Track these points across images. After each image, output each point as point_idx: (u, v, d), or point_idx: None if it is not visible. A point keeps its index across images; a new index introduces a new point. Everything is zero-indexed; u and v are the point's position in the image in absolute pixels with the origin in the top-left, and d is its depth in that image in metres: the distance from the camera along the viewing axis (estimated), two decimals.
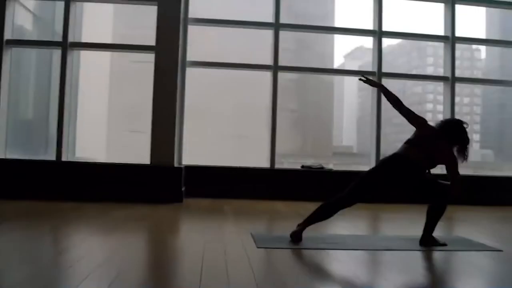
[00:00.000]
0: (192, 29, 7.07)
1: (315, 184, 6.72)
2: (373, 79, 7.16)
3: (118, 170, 6.05)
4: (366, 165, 7.23)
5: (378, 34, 7.23)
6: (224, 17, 7.25)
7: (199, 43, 7.45)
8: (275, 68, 7.13)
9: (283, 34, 7.22)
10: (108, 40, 7.28)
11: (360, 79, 3.71)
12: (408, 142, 3.61)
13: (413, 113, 3.65)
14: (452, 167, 3.51)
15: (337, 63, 8.63)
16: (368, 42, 7.56)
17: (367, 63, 7.70)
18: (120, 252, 3.05)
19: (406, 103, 3.66)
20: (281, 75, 7.25)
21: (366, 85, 3.77)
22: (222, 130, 7.66)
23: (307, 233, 3.55)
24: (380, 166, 3.59)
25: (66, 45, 6.25)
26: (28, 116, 7.71)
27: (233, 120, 7.75)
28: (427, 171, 3.59)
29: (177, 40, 6.27)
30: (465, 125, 3.64)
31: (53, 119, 6.44)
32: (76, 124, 8.04)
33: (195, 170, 6.72)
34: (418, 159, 3.50)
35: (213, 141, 7.52)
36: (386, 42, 7.49)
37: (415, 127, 3.65)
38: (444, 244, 3.54)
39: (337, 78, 8.95)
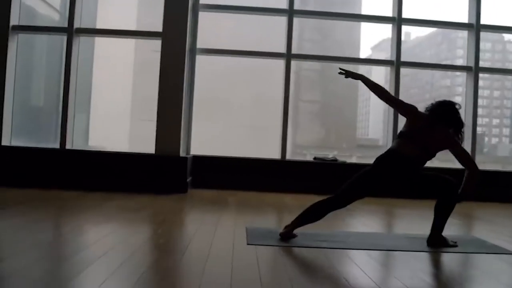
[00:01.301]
0: (204, 16, 6.86)
1: (327, 177, 6.40)
2: (391, 68, 6.89)
3: (122, 159, 5.92)
4: None
5: (397, 21, 6.86)
6: (236, 3, 7.00)
7: (211, 30, 7.23)
8: (288, 56, 6.84)
9: (307, 24, 6.94)
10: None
11: (340, 73, 3.39)
12: (401, 135, 3.31)
13: (402, 102, 3.40)
14: (460, 151, 3.24)
15: (364, 55, 8.29)
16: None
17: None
18: (98, 244, 2.86)
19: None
20: (303, 65, 6.99)
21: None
22: (236, 120, 7.43)
23: (307, 228, 3.29)
24: (375, 164, 3.29)
25: (72, 31, 6.10)
26: (38, 103, 7.63)
27: (249, 110, 7.51)
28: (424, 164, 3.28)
29: (185, 26, 6.05)
30: (457, 106, 3.34)
31: (73, 107, 6.31)
32: (90, 113, 8.00)
33: (203, 160, 6.54)
34: (413, 154, 3.19)
35: (226, 131, 7.30)
36: (414, 33, 7.20)
37: (406, 116, 3.36)
38: (455, 245, 3.23)
39: (363, 68, 8.56)
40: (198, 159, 6.55)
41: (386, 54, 8.34)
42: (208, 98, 7.35)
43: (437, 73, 9.29)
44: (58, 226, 3.51)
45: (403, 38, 7.37)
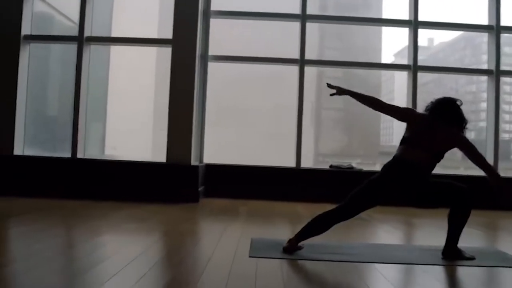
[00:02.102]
0: (216, 22, 6.78)
1: (343, 185, 6.19)
2: (408, 73, 6.69)
3: (133, 167, 5.85)
4: None
5: (413, 24, 6.65)
6: (249, 9, 6.90)
7: (223, 36, 7.15)
8: (302, 62, 6.70)
9: (328, 30, 6.80)
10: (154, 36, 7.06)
11: (328, 86, 3.25)
12: (403, 141, 3.12)
13: (397, 107, 3.24)
14: (468, 147, 3.04)
15: (386, 62, 8.08)
16: (419, 40, 6.98)
17: (419, 62, 7.10)
18: (93, 255, 2.76)
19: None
20: (325, 73, 6.85)
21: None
22: (251, 128, 7.31)
23: (315, 239, 3.13)
24: (381, 173, 3.10)
25: (82, 40, 6.08)
26: (54, 112, 7.66)
27: (265, 117, 7.37)
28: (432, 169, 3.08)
29: (195, 33, 5.97)
30: (458, 103, 3.14)
31: (81, 116, 6.28)
32: (106, 121, 7.98)
33: (216, 169, 6.44)
34: (419, 159, 3.00)
35: (241, 139, 7.19)
36: (438, 39, 7.00)
37: (404, 121, 3.18)
38: (471, 258, 3.01)
39: (386, 75, 8.34)
40: (211, 167, 6.44)
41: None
42: (222, 105, 7.27)
43: (462, 79, 9.00)
44: (56, 236, 3.42)
45: (426, 44, 7.18)
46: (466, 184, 3.07)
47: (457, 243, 3.05)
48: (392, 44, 7.90)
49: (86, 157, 6.16)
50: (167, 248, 3.20)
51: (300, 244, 3.08)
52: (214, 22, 6.73)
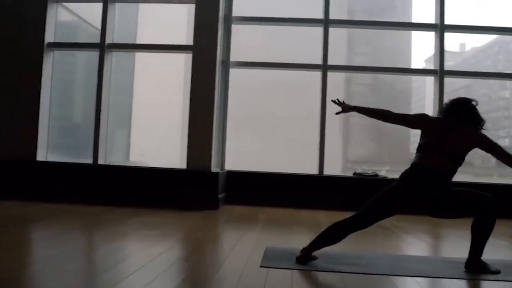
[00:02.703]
0: (238, 29, 6.74)
1: (366, 194, 6.04)
2: (435, 78, 6.48)
3: (153, 174, 5.84)
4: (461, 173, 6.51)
5: (439, 28, 6.46)
6: (271, 15, 6.84)
7: (245, 42, 7.10)
8: (325, 67, 6.59)
9: (356, 35, 6.66)
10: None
11: (334, 102, 3.17)
12: (421, 149, 2.97)
13: (408, 114, 3.10)
14: (491, 144, 2.88)
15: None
16: (451, 45, 6.85)
17: (449, 67, 6.92)
18: (102, 262, 2.72)
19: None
20: (353, 79, 6.73)
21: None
22: (275, 134, 7.20)
23: (331, 248, 3.01)
24: (399, 181, 2.95)
25: (104, 47, 6.13)
26: (78, 119, 7.75)
27: (289, 124, 7.27)
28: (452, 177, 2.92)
29: (215, 39, 5.93)
30: (473, 103, 2.98)
31: (102, 122, 6.35)
32: (131, 128, 8.04)
33: (237, 176, 6.37)
34: (438, 164, 2.84)
35: (265, 146, 7.09)
36: (470, 44, 6.79)
37: (418, 128, 3.03)
38: (497, 272, 2.83)
39: (417, 81, 8.15)
40: (232, 174, 6.38)
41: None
42: (245, 112, 7.21)
43: (495, 84, 8.71)
44: (66, 242, 3.40)
45: (457, 49, 6.95)
46: (493, 192, 2.91)
47: (481, 255, 2.87)
48: (423, 50, 7.68)
49: (107, 163, 6.17)
50: (179, 255, 3.14)
51: (314, 253, 2.97)
52: (236, 28, 6.71)
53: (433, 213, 2.93)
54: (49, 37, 6.16)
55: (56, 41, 6.31)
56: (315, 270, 2.77)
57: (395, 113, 3.06)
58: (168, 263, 2.74)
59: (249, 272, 2.65)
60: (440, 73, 6.42)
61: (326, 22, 6.61)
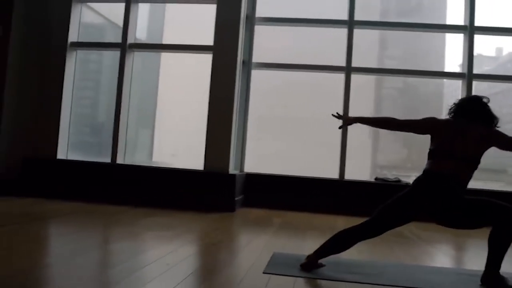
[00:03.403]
0: (263, 29, 6.67)
1: (388, 199, 5.88)
2: (462, 82, 6.25)
3: (170, 174, 5.82)
4: (475, 179, 6.28)
5: (469, 30, 6.22)
6: (295, 16, 6.74)
7: (269, 43, 7.02)
8: (348, 69, 6.44)
9: (389, 37, 6.49)
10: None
11: (335, 116, 3.04)
12: (432, 154, 2.80)
13: (414, 120, 2.91)
14: (507, 138, 2.71)
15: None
16: (487, 50, 6.58)
17: (485, 72, 6.67)
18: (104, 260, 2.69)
19: None
20: (383, 83, 6.57)
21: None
22: (297, 137, 7.08)
23: (340, 255, 2.90)
24: (410, 188, 2.78)
25: (125, 47, 6.16)
26: (101, 118, 7.82)
27: (311, 127, 7.15)
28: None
29: (236, 39, 5.87)
30: (485, 100, 2.81)
31: (122, 122, 6.38)
32: (155, 128, 8.07)
33: (257, 178, 6.30)
34: (452, 171, 2.67)
35: (286, 149, 6.98)
36: (507, 49, 6.51)
37: (428, 133, 2.87)
38: None
39: (449, 86, 7.87)
40: (252, 176, 6.31)
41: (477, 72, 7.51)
42: (267, 114, 7.13)
43: None
44: (72, 242, 3.38)
45: (494, 53, 6.69)
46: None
47: (499, 268, 2.69)
48: (458, 53, 7.36)
49: (126, 162, 6.18)
50: (181, 258, 3.06)
51: (320, 261, 2.86)
52: (260, 29, 6.64)
53: (445, 221, 2.76)
54: (72, 37, 6.23)
55: (80, 40, 6.37)
56: (319, 278, 2.66)
57: (401, 119, 2.92)
58: (167, 266, 2.68)
59: (251, 277, 2.56)
60: (468, 77, 6.18)
61: (350, 23, 6.47)
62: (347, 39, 6.47)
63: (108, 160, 6.17)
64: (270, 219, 5.10)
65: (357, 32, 6.53)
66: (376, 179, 6.35)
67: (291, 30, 7.01)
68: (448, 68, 7.08)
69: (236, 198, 5.67)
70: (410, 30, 6.83)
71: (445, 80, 7.23)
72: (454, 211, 2.68)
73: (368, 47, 7.12)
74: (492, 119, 2.78)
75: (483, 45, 6.62)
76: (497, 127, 2.79)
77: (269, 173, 6.37)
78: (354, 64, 6.46)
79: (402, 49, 7.64)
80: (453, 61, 7.36)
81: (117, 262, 2.77)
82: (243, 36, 6.11)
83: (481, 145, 2.72)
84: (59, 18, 6.15)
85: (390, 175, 6.45)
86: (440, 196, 2.66)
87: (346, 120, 3.02)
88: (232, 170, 5.97)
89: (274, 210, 5.78)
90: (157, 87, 8.11)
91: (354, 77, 6.47)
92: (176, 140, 8.02)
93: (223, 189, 5.61)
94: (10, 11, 5.70)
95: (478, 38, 6.30)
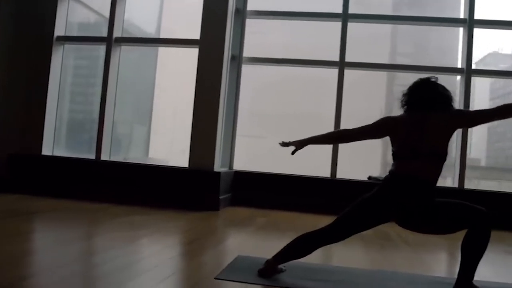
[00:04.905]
0: (254, 23, 6.48)
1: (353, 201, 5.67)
2: (461, 77, 5.99)
3: (155, 172, 5.68)
4: (495, 179, 6.07)
5: (468, 23, 5.96)
6: (288, 9, 6.53)
7: (264, 38, 6.82)
8: (342, 64, 6.22)
9: (400, 32, 6.28)
10: None
11: (282, 145, 2.82)
12: (396, 156, 2.55)
13: (368, 125, 2.67)
14: (476, 113, 2.51)
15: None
16: (505, 47, 6.37)
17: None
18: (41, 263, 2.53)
19: None
20: (395, 80, 6.37)
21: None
22: (289, 134, 6.88)
23: (304, 259, 2.70)
24: (375, 190, 2.55)
25: (111, 41, 6.01)
26: (95, 114, 7.73)
27: (308, 124, 6.94)
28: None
29: (223, 33, 5.68)
30: (433, 79, 2.56)
31: (118, 119, 6.27)
32: (151, 125, 7.93)
33: (246, 176, 6.12)
34: (419, 171, 2.42)
35: (277, 146, 6.78)
36: None
37: (385, 135, 2.63)
38: None
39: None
40: (241, 174, 6.13)
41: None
42: (260, 110, 6.94)
43: None
44: (40, 239, 3.24)
45: (509, 51, 6.41)
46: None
47: (472, 277, 2.46)
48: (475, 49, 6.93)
49: (111, 159, 6.05)
50: (134, 259, 2.90)
51: (282, 266, 2.67)
52: (252, 23, 6.45)
53: (414, 227, 2.54)
54: (60, 31, 6.10)
55: (68, 34, 6.24)
56: (274, 286, 2.46)
57: (353, 129, 2.69)
58: (117, 266, 2.51)
59: (200, 284, 2.38)
60: (466, 71, 5.92)
61: (344, 17, 6.24)
62: (340, 33, 6.24)
63: (115, 158, 6.09)
64: (253, 219, 4.91)
65: (366, 26, 6.32)
66: (369, 178, 6.12)
67: (284, 24, 6.81)
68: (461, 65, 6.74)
69: (221, 197, 5.49)
70: (409, 24, 6.60)
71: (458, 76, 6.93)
72: (423, 215, 2.45)
73: (380, 42, 6.88)
74: (448, 99, 2.53)
75: (500, 42, 6.36)
76: (453, 105, 2.54)
77: (259, 171, 6.19)
78: (361, 59, 6.27)
79: (413, 45, 7.36)
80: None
81: (63, 264, 2.60)
82: (232, 29, 5.91)
83: (445, 133, 2.46)
84: (46, 12, 6.02)
85: (384, 174, 6.20)
86: (407, 200, 2.43)
87: (296, 146, 2.79)
88: (218, 167, 5.79)
89: (263, 209, 5.61)
90: (153, 82, 7.99)
91: (362, 73, 6.23)
92: (173, 137, 7.90)
93: (207, 187, 5.44)
94: None
95: (494, 34, 6.05)
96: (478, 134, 8.26)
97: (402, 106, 2.60)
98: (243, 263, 2.87)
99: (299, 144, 2.77)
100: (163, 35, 7.13)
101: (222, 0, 5.70)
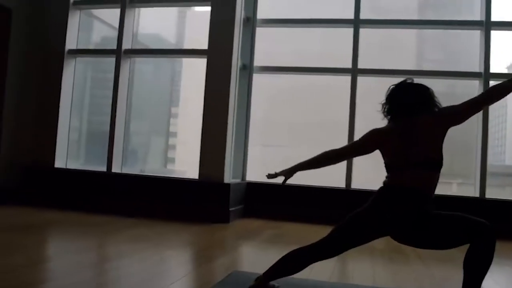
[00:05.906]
0: (263, 31, 6.41)
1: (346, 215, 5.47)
2: (479, 82, 5.76)
3: (165, 184, 5.64)
4: (501, 186, 5.82)
5: (485, 25, 5.75)
6: (298, 16, 6.45)
7: (275, 46, 6.74)
8: (354, 71, 6.08)
9: (426, 36, 6.27)
10: None
11: (269, 177, 2.62)
12: (389, 168, 2.37)
13: (357, 141, 2.50)
14: (463, 106, 2.32)
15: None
16: None
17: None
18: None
19: None
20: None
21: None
22: (305, 144, 6.74)
23: (298, 275, 2.56)
24: (369, 204, 2.38)
25: (121, 53, 6.03)
26: (105, 126, 7.79)
27: (324, 133, 6.79)
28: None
29: (231, 42, 5.63)
30: (408, 81, 2.38)
31: (118, 130, 6.27)
32: (169, 135, 7.93)
33: (259, 187, 6.01)
34: (415, 184, 2.26)
35: (293, 157, 6.65)
36: None
37: (376, 149, 2.43)
38: None
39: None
40: (254, 186, 6.04)
41: None
42: (274, 119, 6.82)
43: None
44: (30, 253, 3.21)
45: None
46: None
47: None
48: (501, 59, 6.49)
49: (123, 172, 6.04)
50: (129, 272, 2.82)
51: (274, 283, 2.55)
52: (263, 31, 6.39)
53: (412, 242, 2.38)
54: (70, 44, 6.16)
55: (79, 47, 6.31)
56: None
57: (340, 148, 2.52)
58: (112, 281, 2.44)
59: None
60: (485, 75, 5.69)
61: (356, 23, 6.11)
62: (353, 39, 6.11)
63: (129, 170, 6.12)
64: (261, 231, 4.80)
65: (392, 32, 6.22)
66: None
67: (296, 32, 6.71)
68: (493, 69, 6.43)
69: (231, 209, 5.40)
70: (417, 27, 6.44)
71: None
72: (419, 229, 2.29)
73: (407, 47, 6.71)
74: (430, 99, 2.35)
75: None
76: (437, 104, 2.36)
77: (272, 182, 6.04)
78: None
79: (440, 50, 7.10)
80: (501, 63, 6.66)
81: (51, 279, 2.55)
82: (240, 38, 5.85)
83: (437, 135, 2.30)
84: (57, 25, 6.10)
85: None
86: (403, 213, 2.28)
87: (284, 175, 2.65)
88: (229, 179, 5.71)
89: (275, 221, 5.48)
90: (173, 93, 8.02)
91: (375, 80, 6.08)
92: (192, 148, 7.86)
93: (216, 199, 5.35)
94: (9, 20, 5.70)
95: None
96: None
97: (385, 116, 2.44)
98: (237, 279, 2.76)
99: (287, 173, 2.62)
100: (187, 45, 7.12)
101: (229, 10, 5.65)
